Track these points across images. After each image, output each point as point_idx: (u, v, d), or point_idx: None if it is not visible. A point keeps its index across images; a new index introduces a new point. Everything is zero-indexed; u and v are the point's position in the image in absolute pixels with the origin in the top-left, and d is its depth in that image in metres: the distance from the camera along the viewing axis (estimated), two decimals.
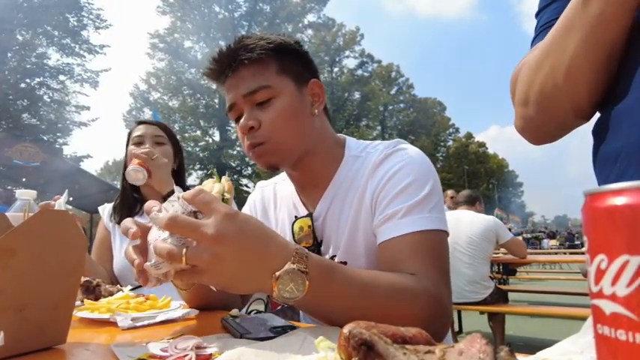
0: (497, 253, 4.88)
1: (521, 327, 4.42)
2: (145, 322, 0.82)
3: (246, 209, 1.21)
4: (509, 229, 4.80)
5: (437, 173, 0.96)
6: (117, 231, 1.63)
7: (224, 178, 0.75)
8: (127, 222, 0.68)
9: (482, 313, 3.72)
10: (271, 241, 0.64)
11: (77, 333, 0.78)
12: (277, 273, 0.60)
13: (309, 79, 0.99)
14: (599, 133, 0.68)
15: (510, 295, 3.92)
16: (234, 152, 32.23)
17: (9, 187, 6.91)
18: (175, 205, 0.63)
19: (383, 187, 0.91)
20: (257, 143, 0.92)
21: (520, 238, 7.32)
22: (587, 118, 0.71)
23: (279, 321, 0.73)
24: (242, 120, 0.92)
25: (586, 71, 0.64)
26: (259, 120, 0.91)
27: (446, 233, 0.88)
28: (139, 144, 1.56)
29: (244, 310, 1.12)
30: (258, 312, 1.13)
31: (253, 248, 0.61)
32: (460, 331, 4.35)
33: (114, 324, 0.82)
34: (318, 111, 0.99)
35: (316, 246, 1.00)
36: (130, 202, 1.64)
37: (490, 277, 3.72)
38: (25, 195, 0.95)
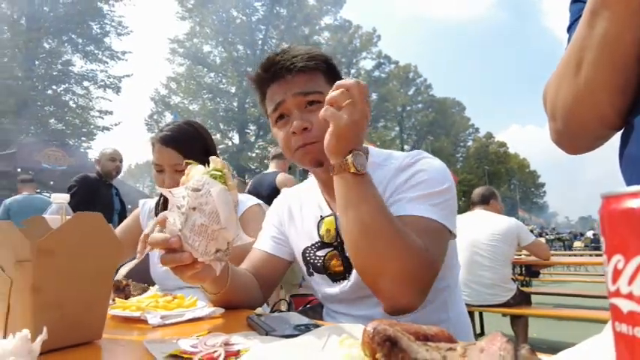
0: (519, 255, 4.79)
1: (545, 330, 4.33)
2: (174, 320, 0.86)
3: (271, 211, 1.24)
4: (531, 231, 4.67)
5: (456, 176, 0.99)
6: None
7: (212, 158, 0.76)
8: (155, 235, 0.73)
9: (504, 315, 3.66)
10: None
11: (110, 329, 0.82)
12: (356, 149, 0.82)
13: None
14: (623, 137, 0.70)
15: (534, 298, 3.84)
16: (253, 155, 32.54)
17: (38, 191, 7.14)
18: (185, 196, 0.70)
19: (402, 184, 0.97)
20: (311, 142, 0.98)
21: (543, 239, 7.15)
22: (618, 128, 0.72)
23: (302, 319, 0.75)
24: (296, 122, 0.97)
25: (605, 85, 0.66)
26: (311, 122, 0.98)
27: (445, 228, 0.92)
28: (160, 171, 1.49)
29: (269, 309, 1.14)
30: (281, 311, 1.15)
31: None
32: (482, 333, 4.29)
33: (144, 321, 0.86)
34: None
35: (339, 244, 1.05)
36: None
37: (512, 279, 3.64)
38: (59, 199, 1.00)
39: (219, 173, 0.73)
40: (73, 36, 25.88)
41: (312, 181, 1.20)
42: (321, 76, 1.02)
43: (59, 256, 0.65)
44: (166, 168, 1.45)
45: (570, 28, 0.80)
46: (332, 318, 1.10)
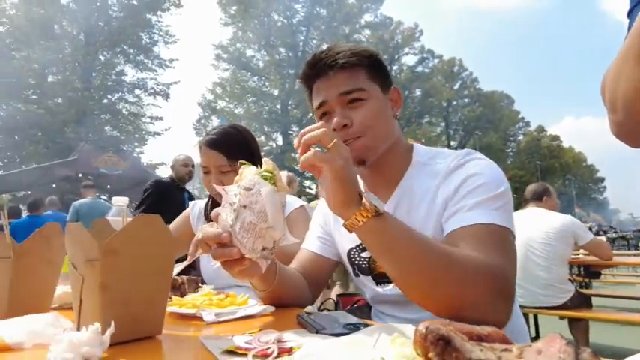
0: (577, 254, 4.53)
1: (608, 335, 4.07)
2: (227, 317, 0.89)
3: (318, 211, 1.26)
4: (590, 229, 4.40)
5: (506, 173, 0.96)
6: None
7: (265, 163, 0.78)
8: (207, 229, 0.77)
9: (561, 318, 3.48)
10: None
11: (168, 325, 0.86)
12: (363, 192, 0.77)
13: (390, 86, 1.08)
14: None
15: (594, 300, 3.62)
16: (296, 155, 32.91)
17: (97, 194, 7.66)
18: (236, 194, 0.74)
19: (456, 190, 0.93)
20: (352, 138, 0.99)
21: (603, 238, 6.66)
22: None
23: (352, 318, 0.75)
24: (336, 118, 0.99)
25: None
26: (351, 119, 0.99)
27: (511, 233, 0.90)
28: (206, 173, 1.58)
29: (316, 308, 1.16)
30: (329, 310, 1.17)
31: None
32: (537, 336, 4.11)
33: (199, 318, 0.90)
34: (397, 115, 1.07)
35: None
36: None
37: (570, 279, 3.45)
38: (120, 202, 1.07)
39: (270, 175, 0.76)
40: (125, 47, 27.41)
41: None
42: (363, 71, 1.02)
43: (123, 256, 0.69)
44: (212, 169, 1.54)
45: (630, 14, 0.76)
46: (380, 319, 1.10)
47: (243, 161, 0.82)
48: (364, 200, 0.75)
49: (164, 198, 3.92)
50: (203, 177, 1.58)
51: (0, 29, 23.51)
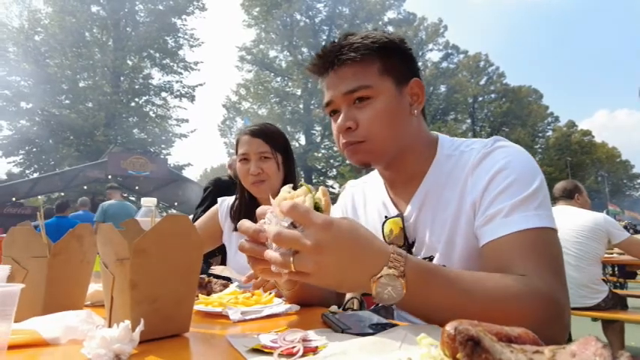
0: (611, 253, 4.36)
1: None
2: (253, 316, 0.90)
3: (337, 209, 1.24)
4: (625, 227, 4.23)
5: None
6: (233, 236, 1.74)
7: (321, 190, 0.75)
8: (246, 222, 0.75)
9: (594, 320, 3.35)
10: (367, 246, 0.67)
11: (195, 323, 0.87)
12: (374, 277, 0.64)
13: (410, 79, 0.97)
14: None
15: (630, 302, 3.48)
16: (319, 155, 32.98)
17: (125, 195, 7.89)
18: (273, 219, 0.70)
19: (485, 189, 0.87)
20: (354, 142, 0.94)
21: (639, 236, 6.37)
22: None
23: (377, 318, 0.75)
24: (340, 120, 0.94)
25: None
26: (357, 120, 0.93)
27: (555, 231, 0.83)
28: (244, 160, 1.63)
29: (341, 307, 1.16)
30: (353, 310, 1.16)
31: (351, 255, 0.65)
32: (569, 339, 3.97)
33: (225, 317, 0.91)
34: (417, 111, 0.98)
35: (407, 247, 0.99)
36: (247, 206, 1.72)
37: (603, 280, 3.33)
38: (148, 202, 1.09)
39: (321, 202, 0.73)
40: (151, 51, 28.13)
41: (377, 174, 1.14)
42: (375, 64, 0.93)
43: (152, 255, 0.71)
44: (252, 156, 1.62)
45: None
46: (403, 318, 1.08)
47: (303, 183, 0.79)
48: (373, 290, 0.65)
49: (223, 194, 4.04)
50: (240, 167, 1.64)
51: (35, 38, 24.53)
